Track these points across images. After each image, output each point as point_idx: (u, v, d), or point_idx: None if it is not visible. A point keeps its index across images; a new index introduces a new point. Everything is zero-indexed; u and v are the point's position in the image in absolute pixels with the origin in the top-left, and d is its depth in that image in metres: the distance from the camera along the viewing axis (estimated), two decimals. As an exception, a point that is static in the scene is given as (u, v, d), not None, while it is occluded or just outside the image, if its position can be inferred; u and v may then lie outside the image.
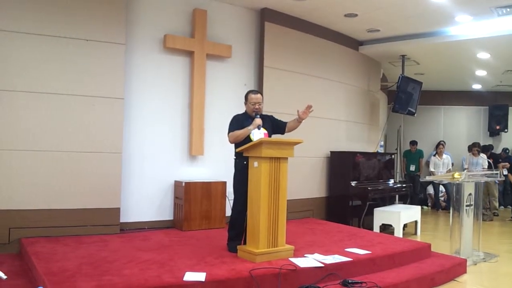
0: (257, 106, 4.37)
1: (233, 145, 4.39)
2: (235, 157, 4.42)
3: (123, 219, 5.37)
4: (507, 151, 11.19)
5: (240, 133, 4.25)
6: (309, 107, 4.36)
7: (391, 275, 4.16)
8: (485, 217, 8.31)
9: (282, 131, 4.58)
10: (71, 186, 4.97)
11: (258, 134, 4.27)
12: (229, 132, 4.33)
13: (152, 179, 5.70)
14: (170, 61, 5.86)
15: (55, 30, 4.89)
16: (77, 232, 4.94)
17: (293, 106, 6.68)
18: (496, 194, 9.46)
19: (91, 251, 4.23)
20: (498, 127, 11.66)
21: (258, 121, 4.27)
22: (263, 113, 4.50)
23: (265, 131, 4.34)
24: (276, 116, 4.68)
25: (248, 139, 4.24)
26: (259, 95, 4.43)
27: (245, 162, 4.21)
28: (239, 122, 4.34)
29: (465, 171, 5.81)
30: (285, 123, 4.57)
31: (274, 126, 4.54)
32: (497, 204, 9.45)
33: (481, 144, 10.28)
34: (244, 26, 6.56)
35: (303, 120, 4.43)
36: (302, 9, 6.59)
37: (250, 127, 4.25)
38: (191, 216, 5.56)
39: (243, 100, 4.52)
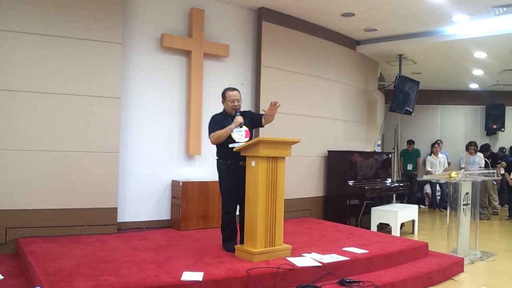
0: (236, 103, 4.33)
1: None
2: (217, 158, 4.38)
3: (121, 218, 5.36)
4: (504, 150, 11.23)
5: (221, 133, 4.20)
6: (274, 103, 4.25)
7: (388, 274, 4.16)
8: (482, 216, 8.34)
9: (260, 124, 4.51)
10: (68, 185, 4.95)
11: (239, 132, 4.25)
12: (210, 133, 4.28)
13: (149, 179, 5.69)
14: (167, 61, 5.85)
15: (52, 30, 4.87)
16: (74, 232, 4.93)
17: (290, 105, 6.74)
18: (495, 194, 9.47)
19: (88, 251, 4.22)
20: (495, 126, 11.70)
21: (239, 119, 4.24)
22: (248, 109, 4.45)
23: (246, 128, 4.32)
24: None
25: (230, 138, 4.22)
26: (237, 92, 4.40)
27: (229, 162, 4.22)
28: (219, 122, 4.29)
29: (462, 170, 5.83)
30: (262, 115, 4.50)
31: (254, 120, 4.48)
32: (497, 204, 9.48)
33: (478, 143, 10.32)
34: (241, 26, 6.55)
35: (274, 114, 4.34)
36: (299, 9, 6.59)
37: (232, 125, 4.22)
38: (189, 215, 5.55)
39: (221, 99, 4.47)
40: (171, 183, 5.83)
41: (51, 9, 4.87)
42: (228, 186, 4.28)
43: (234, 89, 4.42)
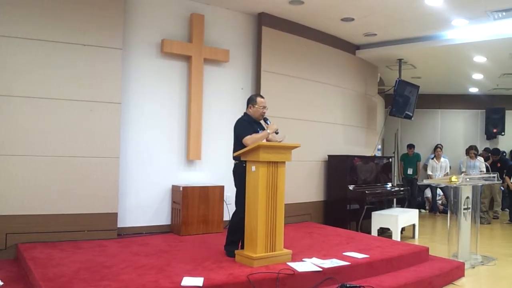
0: (265, 110, 4.42)
1: (231, 150, 4.38)
2: (240, 162, 4.28)
3: (121, 224, 5.35)
4: (504, 154, 11.23)
5: (259, 136, 4.22)
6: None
7: (389, 279, 4.16)
8: (482, 220, 8.32)
9: None
10: (69, 191, 4.95)
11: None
12: (244, 136, 4.21)
13: (150, 184, 5.69)
14: (168, 66, 5.86)
15: (52, 35, 4.89)
16: (75, 237, 4.92)
17: (290, 110, 6.75)
18: (500, 199, 9.44)
19: (88, 256, 4.22)
20: (495, 130, 11.70)
21: (275, 126, 4.31)
22: None
23: None
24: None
25: None
26: (264, 99, 4.47)
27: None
28: (249, 126, 4.34)
29: (463, 174, 5.83)
30: None
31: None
32: (499, 208, 9.45)
33: (479, 147, 10.30)
34: (241, 31, 6.57)
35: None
36: (299, 14, 6.61)
37: (269, 130, 4.27)
38: (189, 220, 5.55)
39: (246, 103, 4.50)
40: (171, 188, 5.83)
41: (51, 14, 4.89)
42: None
43: (263, 96, 4.51)
